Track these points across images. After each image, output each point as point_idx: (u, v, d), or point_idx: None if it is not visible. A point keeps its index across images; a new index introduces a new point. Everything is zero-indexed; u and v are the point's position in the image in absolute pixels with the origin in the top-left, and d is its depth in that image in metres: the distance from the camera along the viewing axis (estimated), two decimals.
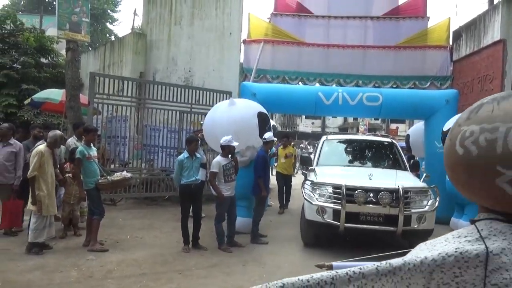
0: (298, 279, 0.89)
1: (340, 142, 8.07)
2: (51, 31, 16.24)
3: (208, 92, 9.59)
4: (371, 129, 31.74)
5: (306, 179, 6.51)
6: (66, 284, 4.42)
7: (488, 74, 9.10)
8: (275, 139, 8.58)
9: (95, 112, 8.54)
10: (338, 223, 5.58)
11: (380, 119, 31.98)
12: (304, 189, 6.05)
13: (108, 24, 33.24)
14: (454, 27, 11.30)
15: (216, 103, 8.62)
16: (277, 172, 9.71)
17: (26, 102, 10.88)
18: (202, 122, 8.89)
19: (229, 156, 6.00)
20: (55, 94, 10.18)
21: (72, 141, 6.83)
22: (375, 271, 0.87)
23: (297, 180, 11.16)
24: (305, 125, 39.65)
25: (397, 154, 7.44)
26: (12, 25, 13.76)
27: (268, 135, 6.55)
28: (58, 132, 5.77)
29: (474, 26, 10.05)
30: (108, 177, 5.87)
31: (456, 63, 10.63)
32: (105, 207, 6.14)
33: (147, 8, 10.75)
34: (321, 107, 8.06)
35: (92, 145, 5.93)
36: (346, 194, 5.58)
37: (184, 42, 10.50)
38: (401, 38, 10.58)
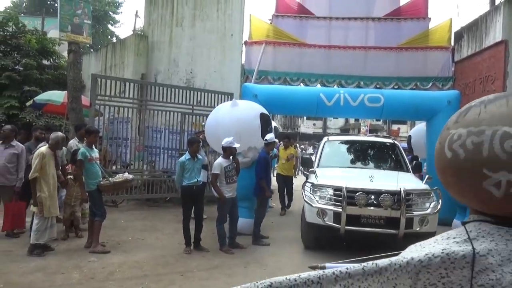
0: (286, 278, 0.90)
1: (341, 143, 8.02)
2: (53, 33, 16.27)
3: (209, 94, 9.59)
4: (373, 130, 31.72)
5: (306, 181, 6.49)
6: (67, 285, 4.42)
7: (490, 75, 9.08)
8: (277, 140, 8.57)
9: (97, 113, 8.55)
10: (339, 226, 5.52)
11: (381, 120, 31.95)
12: (304, 191, 6.01)
13: (109, 25, 33.37)
14: (455, 28, 11.31)
15: (217, 105, 8.63)
16: (277, 174, 9.70)
17: (28, 103, 10.92)
18: (203, 124, 8.91)
19: (231, 157, 6.00)
20: (57, 96, 10.21)
21: (74, 142, 6.84)
22: (362, 271, 0.88)
23: (298, 181, 11.15)
24: (306, 126, 39.62)
25: (399, 156, 7.39)
26: (14, 27, 13.80)
27: (270, 136, 6.55)
28: (59, 133, 5.78)
29: (475, 27, 10.04)
30: (110, 178, 5.88)
31: (457, 64, 10.61)
32: (106, 209, 6.15)
33: (148, 10, 10.77)
34: (322, 108, 8.04)
35: (94, 146, 5.93)
36: (347, 196, 5.53)
37: (185, 44, 10.51)
38: (402, 39, 10.57)
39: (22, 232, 6.24)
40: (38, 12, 26.79)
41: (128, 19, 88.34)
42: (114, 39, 30.03)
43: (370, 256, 1.31)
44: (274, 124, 8.84)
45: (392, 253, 1.04)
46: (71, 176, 6.36)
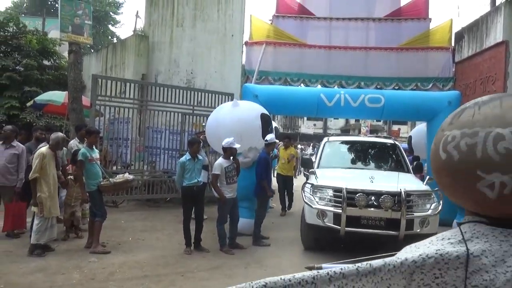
0: (281, 278, 0.91)
1: (341, 144, 8.01)
2: (54, 33, 16.29)
3: (210, 94, 9.59)
4: (373, 131, 31.73)
5: (306, 181, 6.48)
6: (68, 286, 4.42)
7: (491, 76, 9.07)
8: (277, 141, 8.57)
9: (97, 114, 8.56)
10: (339, 227, 5.48)
11: (382, 121, 31.94)
12: (304, 192, 5.98)
13: (110, 26, 33.41)
14: (456, 28, 11.30)
15: (218, 105, 8.63)
16: (277, 174, 9.70)
17: (28, 104, 10.92)
18: (204, 124, 8.91)
19: (231, 158, 6.00)
20: (57, 96, 10.22)
21: (74, 143, 6.84)
22: (356, 272, 0.88)
23: (298, 181, 11.14)
24: (306, 127, 39.64)
25: (399, 156, 7.35)
26: (14, 27, 13.83)
27: (270, 137, 6.55)
28: (60, 134, 5.78)
29: (476, 28, 10.03)
30: (110, 179, 5.88)
31: (458, 64, 10.60)
32: (107, 209, 6.14)
33: (149, 10, 10.77)
34: (323, 109, 8.04)
35: (94, 147, 5.93)
36: (347, 197, 5.49)
37: (186, 44, 10.51)
38: (403, 40, 10.57)
39: (22, 232, 6.24)
40: (38, 13, 26.82)
41: (128, 19, 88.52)
42: (115, 40, 30.08)
43: (366, 257, 1.31)
44: (274, 124, 8.83)
45: (388, 254, 1.04)
46: (72, 177, 6.36)
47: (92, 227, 5.75)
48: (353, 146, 7.93)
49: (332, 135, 9.70)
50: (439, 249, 0.85)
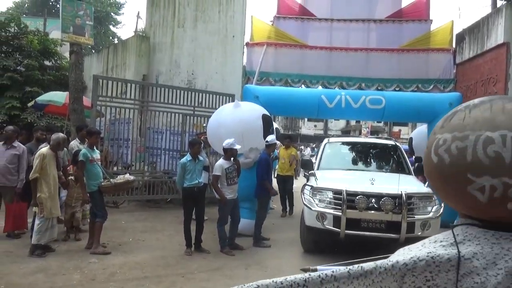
0: (273, 281, 0.91)
1: (342, 145, 7.98)
2: (55, 34, 16.31)
3: (211, 95, 9.59)
4: (374, 132, 31.70)
5: (306, 183, 6.44)
6: (68, 287, 4.42)
7: (492, 77, 9.06)
8: (278, 142, 8.56)
9: (98, 114, 8.57)
10: (339, 230, 5.42)
11: (382, 122, 31.92)
12: (303, 194, 5.92)
13: (111, 27, 33.45)
14: (457, 30, 11.31)
15: (218, 106, 8.64)
16: (277, 174, 9.68)
17: (29, 104, 10.93)
18: (205, 125, 8.91)
19: (232, 159, 6.00)
20: (58, 97, 10.23)
21: (75, 143, 6.85)
22: (347, 274, 0.89)
23: (299, 183, 11.13)
24: (307, 128, 39.64)
25: (400, 158, 7.28)
26: (16, 27, 13.83)
27: (271, 138, 6.55)
28: (61, 134, 5.79)
29: (477, 29, 10.03)
30: (111, 179, 5.88)
31: (459, 66, 10.59)
32: (107, 210, 6.14)
33: (150, 11, 10.79)
34: (324, 110, 8.03)
35: (95, 147, 5.93)
36: (347, 199, 5.42)
37: (187, 45, 10.52)
38: (404, 41, 10.57)
39: (23, 232, 6.24)
40: (40, 13, 26.85)
41: (129, 20, 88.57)
42: (116, 40, 30.12)
43: (358, 260, 1.31)
44: (275, 125, 8.82)
45: (380, 256, 1.04)
46: (72, 177, 6.36)
47: (92, 227, 5.75)
48: (353, 148, 7.90)
49: (333, 136, 9.69)
50: (430, 252, 0.86)
